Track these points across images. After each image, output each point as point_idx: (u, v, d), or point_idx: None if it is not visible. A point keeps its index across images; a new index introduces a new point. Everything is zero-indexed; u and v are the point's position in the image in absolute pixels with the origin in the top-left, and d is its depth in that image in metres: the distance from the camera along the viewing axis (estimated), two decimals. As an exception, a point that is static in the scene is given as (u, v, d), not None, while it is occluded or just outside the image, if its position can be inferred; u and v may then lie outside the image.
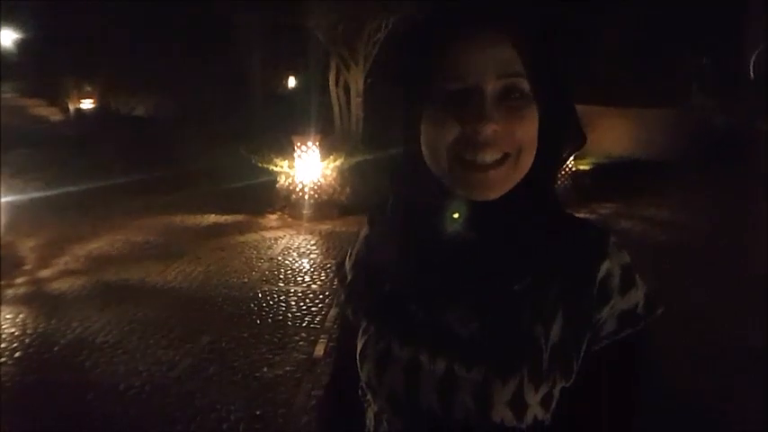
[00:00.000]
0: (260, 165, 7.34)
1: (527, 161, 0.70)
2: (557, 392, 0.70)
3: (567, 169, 8.08)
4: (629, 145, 9.34)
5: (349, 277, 0.88)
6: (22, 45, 15.28)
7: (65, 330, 4.04)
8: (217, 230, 6.61)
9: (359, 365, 0.79)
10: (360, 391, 0.83)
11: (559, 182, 8.05)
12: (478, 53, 0.68)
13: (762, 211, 7.08)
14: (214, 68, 13.56)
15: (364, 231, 0.88)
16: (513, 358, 0.69)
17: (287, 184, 7.22)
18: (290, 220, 7.01)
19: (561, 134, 0.74)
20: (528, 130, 0.70)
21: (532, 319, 0.70)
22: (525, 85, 0.68)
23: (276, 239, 6.25)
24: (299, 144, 7.03)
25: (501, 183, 0.69)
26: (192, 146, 10.18)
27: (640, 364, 0.75)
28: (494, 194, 0.70)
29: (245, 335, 3.99)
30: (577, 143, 0.76)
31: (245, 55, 14.16)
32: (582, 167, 8.25)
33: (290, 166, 7.24)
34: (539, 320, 0.70)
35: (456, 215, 0.73)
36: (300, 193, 7.07)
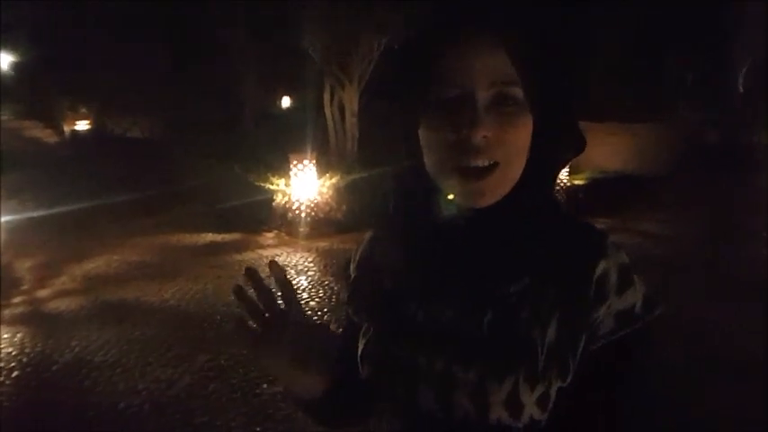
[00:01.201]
0: (256, 183, 7.37)
1: (517, 169, 0.72)
2: (553, 392, 0.70)
3: (562, 184, 8.16)
4: (623, 160, 9.45)
5: (352, 277, 0.90)
6: (17, 68, 15.38)
7: (63, 349, 4.04)
8: (214, 249, 6.63)
9: (360, 366, 0.81)
10: (361, 391, 0.83)
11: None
12: (472, 60, 0.68)
13: (755, 222, 7.17)
14: (208, 89, 13.68)
15: (370, 233, 0.90)
16: (509, 358, 0.70)
17: (283, 202, 7.25)
18: (286, 237, 7.04)
19: (557, 141, 0.74)
20: (519, 138, 0.70)
21: (529, 319, 0.70)
22: (519, 92, 0.69)
23: (273, 257, 6.27)
24: (295, 162, 7.09)
25: (492, 190, 0.71)
26: (188, 166, 10.24)
27: (638, 364, 0.74)
28: (486, 201, 0.71)
29: (244, 352, 3.99)
30: (577, 148, 0.76)
31: (239, 75, 14.28)
32: (576, 182, 8.33)
33: (287, 185, 7.28)
34: (535, 321, 0.70)
35: (453, 219, 0.74)
36: (297, 211, 7.10)
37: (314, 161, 7.24)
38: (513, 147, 0.70)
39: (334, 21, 8.83)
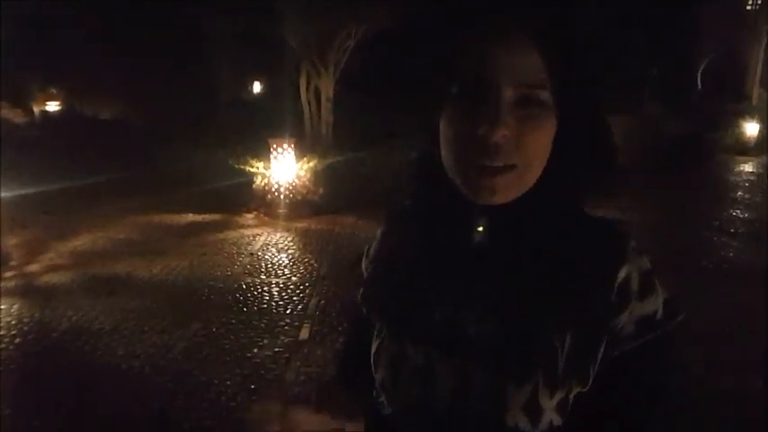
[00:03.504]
0: (237, 166, 7.59)
1: (534, 173, 0.69)
2: (572, 398, 0.70)
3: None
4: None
5: (365, 274, 0.89)
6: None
7: (60, 319, 4.26)
8: (196, 229, 6.84)
9: (373, 367, 0.79)
10: (374, 392, 0.82)
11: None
12: (502, 57, 0.66)
13: (710, 210, 7.70)
14: (183, 73, 13.71)
15: (382, 229, 0.88)
16: (528, 362, 0.68)
17: (263, 184, 7.50)
18: (266, 218, 7.29)
19: (584, 147, 0.71)
20: (540, 141, 0.68)
21: (548, 322, 0.69)
22: (546, 95, 0.67)
23: (255, 236, 6.53)
24: (275, 146, 7.32)
25: (505, 190, 0.68)
26: (163, 148, 10.34)
27: (660, 370, 0.73)
28: (500, 200, 0.69)
29: (233, 321, 4.28)
30: (608, 155, 0.74)
31: (214, 60, 14.33)
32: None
33: (266, 168, 7.52)
34: (554, 324, 0.69)
35: (471, 218, 0.73)
36: (276, 193, 7.36)
37: (293, 145, 7.49)
38: (532, 149, 0.68)
39: (314, 10, 9.03)
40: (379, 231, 0.89)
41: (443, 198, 0.74)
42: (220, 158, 8.10)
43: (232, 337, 4.03)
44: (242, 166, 7.74)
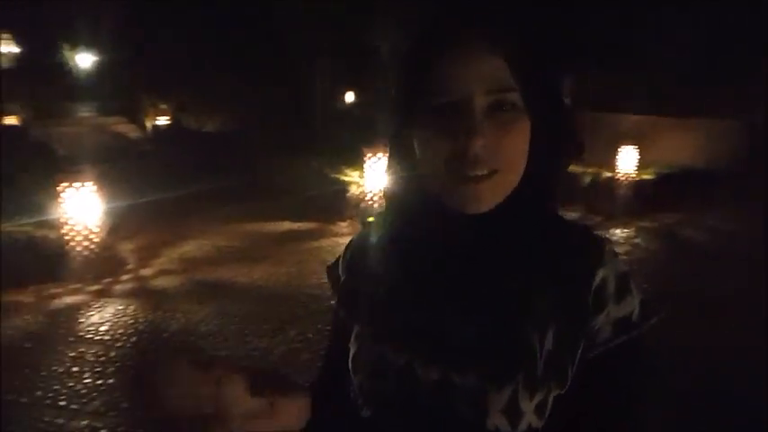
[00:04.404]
0: (331, 175, 7.78)
1: (515, 175, 0.71)
2: (551, 400, 0.70)
3: (629, 179, 8.18)
4: (693, 155, 9.32)
5: (342, 279, 0.88)
6: (101, 67, 16.48)
7: (170, 320, 4.54)
8: (293, 236, 7.07)
9: (351, 371, 0.79)
10: (351, 396, 0.81)
11: (621, 190, 8.16)
12: (468, 67, 0.67)
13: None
14: (280, 86, 14.26)
15: (358, 235, 0.90)
16: (507, 365, 0.69)
17: (357, 193, 7.63)
18: (360, 226, 7.39)
19: (556, 145, 0.74)
20: (517, 144, 0.70)
21: (527, 325, 0.70)
22: (516, 98, 0.69)
23: (349, 244, 6.65)
24: (368, 155, 7.44)
25: (490, 196, 0.70)
26: (261, 158, 10.77)
27: (636, 371, 0.74)
28: (483, 207, 0.70)
29: (329, 328, 4.36)
30: (576, 152, 0.76)
31: (309, 72, 14.80)
32: (645, 177, 8.31)
33: (360, 176, 7.65)
34: (533, 327, 0.70)
35: (449, 223, 0.73)
36: (370, 202, 7.46)
37: (386, 153, 7.56)
38: (511, 153, 0.70)
39: (407, 21, 9.12)
40: (355, 236, 0.90)
41: (423, 206, 0.75)
42: (316, 167, 8.32)
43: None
44: (337, 175, 7.92)
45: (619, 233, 7.12)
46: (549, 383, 0.70)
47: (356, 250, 0.88)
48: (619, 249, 6.41)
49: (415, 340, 0.73)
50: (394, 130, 0.77)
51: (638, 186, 8.16)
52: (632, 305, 0.73)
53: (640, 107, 10.21)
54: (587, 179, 8.20)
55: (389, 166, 0.81)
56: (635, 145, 8.26)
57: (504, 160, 0.69)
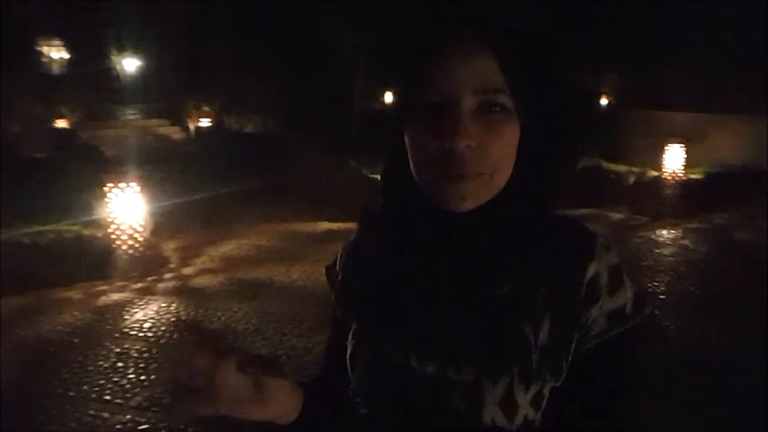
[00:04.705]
0: (370, 175, 7.79)
1: (503, 176, 0.72)
2: (546, 392, 0.71)
3: (677, 178, 7.94)
4: (744, 153, 8.98)
5: (339, 277, 0.89)
6: (146, 72, 16.91)
7: (211, 318, 4.61)
8: (330, 236, 7.10)
9: (349, 368, 0.80)
10: (350, 393, 0.82)
11: (668, 190, 7.92)
12: (457, 66, 0.68)
13: None
14: (318, 87, 14.39)
15: (355, 233, 0.90)
16: (502, 358, 0.70)
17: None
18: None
19: (547, 149, 0.74)
20: (505, 146, 0.70)
21: (521, 319, 0.71)
22: (505, 99, 0.69)
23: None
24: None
25: (476, 195, 0.70)
26: (301, 159, 10.87)
27: (630, 363, 0.75)
28: (470, 205, 0.70)
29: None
30: (572, 155, 0.80)
31: (346, 73, 14.89)
32: (693, 176, 8.06)
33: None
34: (527, 321, 0.71)
35: (442, 222, 0.73)
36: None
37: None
38: (498, 155, 0.70)
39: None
40: (352, 235, 0.90)
41: (415, 203, 0.75)
42: (354, 168, 8.35)
43: (366, 343, 4.11)
44: (374, 175, 7.92)
45: (666, 234, 6.91)
46: (545, 376, 0.70)
47: (352, 248, 0.89)
48: (665, 251, 6.28)
49: (411, 335, 0.74)
50: (389, 128, 0.78)
51: (686, 186, 7.91)
52: (626, 297, 0.74)
53: (688, 103, 9.90)
54: (632, 179, 8.00)
55: (385, 165, 0.81)
56: (682, 143, 8.00)
57: (491, 162, 0.69)
